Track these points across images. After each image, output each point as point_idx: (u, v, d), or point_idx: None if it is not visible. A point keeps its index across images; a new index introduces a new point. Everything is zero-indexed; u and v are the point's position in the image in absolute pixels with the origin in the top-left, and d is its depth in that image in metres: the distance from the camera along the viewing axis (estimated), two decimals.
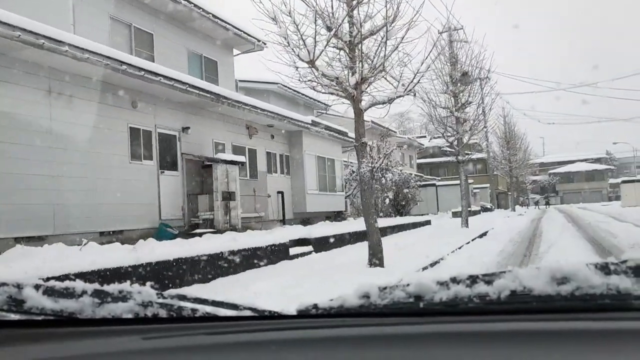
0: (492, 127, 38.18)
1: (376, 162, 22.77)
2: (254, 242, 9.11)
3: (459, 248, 11.86)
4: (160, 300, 0.98)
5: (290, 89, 21.60)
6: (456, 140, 16.29)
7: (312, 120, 16.83)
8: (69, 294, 0.96)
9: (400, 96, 7.83)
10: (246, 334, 0.91)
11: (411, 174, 23.13)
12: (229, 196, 11.82)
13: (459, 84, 15.99)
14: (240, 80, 19.58)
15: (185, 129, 11.93)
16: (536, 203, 54.84)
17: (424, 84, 16.27)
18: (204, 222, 11.71)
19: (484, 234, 15.16)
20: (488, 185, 42.28)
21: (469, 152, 50.27)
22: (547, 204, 51.45)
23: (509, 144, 34.96)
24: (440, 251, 10.28)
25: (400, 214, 21.73)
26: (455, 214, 29.15)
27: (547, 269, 0.83)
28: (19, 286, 0.95)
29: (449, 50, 16.39)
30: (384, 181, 21.49)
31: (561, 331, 0.76)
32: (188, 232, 11.25)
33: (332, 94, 7.75)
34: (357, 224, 15.66)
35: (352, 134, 22.02)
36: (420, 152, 48.89)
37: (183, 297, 1.02)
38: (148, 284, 1.10)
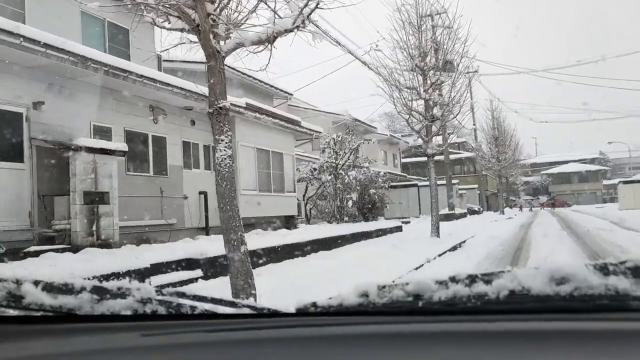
0: (479, 124, 34.93)
1: (341, 158, 19.57)
2: (87, 269, 5.89)
3: (416, 269, 8.68)
4: (159, 297, 0.98)
5: (239, 71, 18.34)
6: (424, 129, 13.07)
7: (247, 104, 13.55)
8: (67, 290, 0.97)
9: (290, 30, 4.64)
10: (245, 331, 0.91)
11: (379, 172, 19.85)
12: (97, 198, 8.52)
13: (434, 64, 12.80)
14: (170, 61, 16.25)
15: (37, 105, 8.63)
16: (541, 204, 51.84)
17: (385, 59, 13.09)
18: (60, 234, 8.41)
19: (459, 245, 11.94)
20: (477, 186, 39.16)
21: (458, 151, 47.36)
22: (553, 205, 48.67)
23: (498, 140, 31.70)
24: (381, 279, 7.04)
25: (367, 219, 18.49)
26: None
27: (546, 269, 0.84)
28: (17, 282, 0.97)
29: (417, 18, 13.15)
30: (347, 180, 18.23)
31: (559, 331, 0.77)
32: (40, 244, 7.94)
33: (163, 18, 4.54)
34: (299, 234, 12.42)
35: (309, 125, 18.83)
36: (406, 152, 45.81)
37: (182, 295, 1.02)
38: (147, 280, 0.99)
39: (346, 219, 18.96)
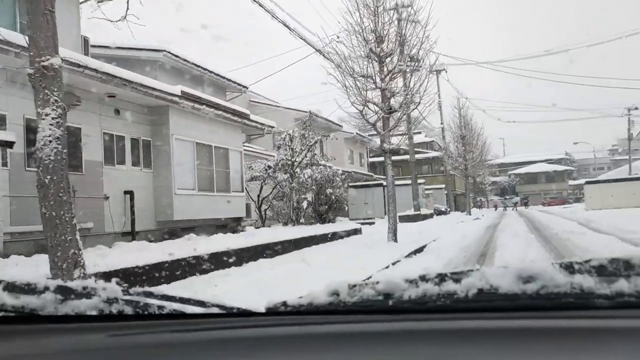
0: (447, 123, 34.08)
1: (297, 156, 18.17)
2: None
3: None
4: (126, 297, 0.98)
5: (184, 60, 16.75)
6: (381, 121, 11.77)
7: (183, 92, 12.01)
8: (30, 290, 0.96)
9: None
10: (214, 331, 0.90)
11: (338, 170, 18.52)
12: None
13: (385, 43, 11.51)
14: (101, 46, 14.54)
15: None
16: (515, 204, 51.49)
17: (340, 46, 11.75)
18: None
19: (415, 253, 10.67)
20: (444, 186, 38.32)
21: (426, 151, 46.51)
22: (526, 204, 48.37)
23: (465, 139, 30.71)
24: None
25: (323, 220, 17.12)
26: (402, 219, 24.87)
27: (514, 268, 0.85)
28: None
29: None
30: (302, 179, 16.83)
31: (527, 329, 0.78)
32: None
33: None
34: (236, 239, 10.94)
35: (259, 118, 17.28)
36: (375, 151, 44.83)
37: (150, 294, 1.01)
38: (114, 280, 1.04)
39: (302, 220, 17.57)
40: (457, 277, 0.87)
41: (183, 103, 12.04)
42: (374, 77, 11.55)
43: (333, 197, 17.01)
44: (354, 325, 0.86)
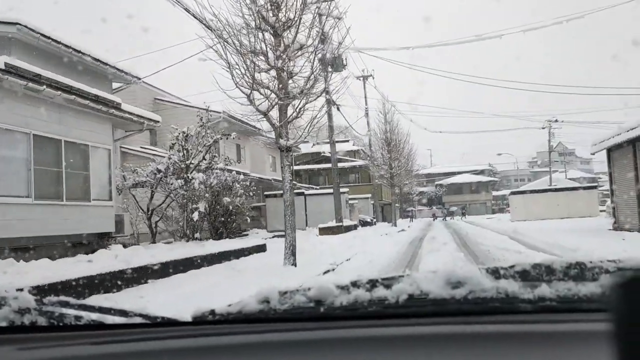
0: (372, 130, 32.17)
1: (193, 158, 15.23)
2: None
3: None
4: (40, 307, 0.92)
5: (47, 38, 13.37)
6: (277, 110, 9.16)
7: (8, 64, 8.82)
8: None
9: None
10: (136, 342, 0.86)
11: (239, 174, 15.74)
12: None
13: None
14: None
15: None
16: (451, 214, 50.70)
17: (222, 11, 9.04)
18: None
19: (323, 274, 8.10)
20: (370, 195, 36.47)
21: (353, 159, 44.62)
22: (464, 214, 47.60)
23: (390, 145, 28.68)
24: None
25: (220, 236, 14.27)
26: (323, 231, 22.49)
27: (443, 273, 0.87)
28: None
29: None
30: (195, 185, 13.90)
31: (454, 335, 0.79)
32: None
33: None
34: (75, 265, 7.89)
35: (136, 109, 14.06)
36: (300, 158, 42.47)
37: (66, 304, 0.96)
38: (25, 288, 0.99)
39: (198, 236, 14.62)
40: (388, 282, 0.90)
41: (8, 79, 8.84)
42: (266, 54, 8.95)
43: (231, 208, 14.16)
44: (285, 334, 0.84)
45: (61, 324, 0.90)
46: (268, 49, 9.02)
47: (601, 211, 28.24)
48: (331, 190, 26.50)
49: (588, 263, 0.93)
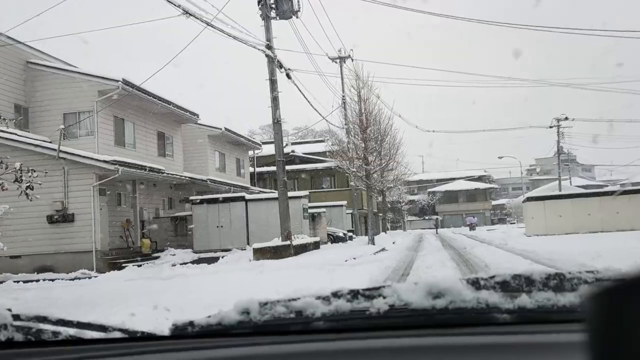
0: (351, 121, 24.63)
1: None
2: None
3: None
4: (16, 323, 0.89)
5: None
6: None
7: None
8: None
9: None
10: (115, 357, 0.84)
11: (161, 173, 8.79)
12: None
13: None
14: None
15: None
16: (435, 225, 43.75)
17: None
18: None
19: None
20: (344, 202, 29.43)
21: (326, 159, 37.58)
22: (472, 227, 40.67)
23: (366, 133, 20.38)
24: None
25: None
26: (260, 253, 15.55)
27: (424, 284, 0.86)
28: None
29: None
30: None
31: (435, 347, 0.78)
32: None
33: None
34: None
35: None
36: (264, 159, 35.35)
37: (43, 319, 0.93)
38: (1, 303, 0.95)
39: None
40: (369, 293, 0.88)
41: None
42: None
43: None
44: (265, 347, 0.83)
45: (39, 340, 0.88)
46: None
47: None
48: (300, 193, 19.42)
49: (567, 274, 0.93)
